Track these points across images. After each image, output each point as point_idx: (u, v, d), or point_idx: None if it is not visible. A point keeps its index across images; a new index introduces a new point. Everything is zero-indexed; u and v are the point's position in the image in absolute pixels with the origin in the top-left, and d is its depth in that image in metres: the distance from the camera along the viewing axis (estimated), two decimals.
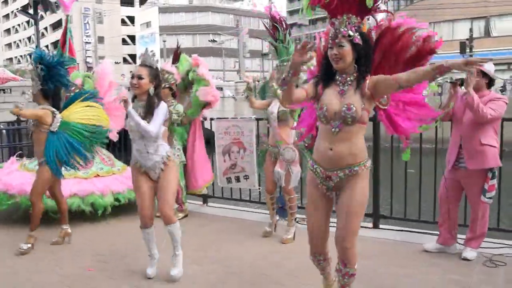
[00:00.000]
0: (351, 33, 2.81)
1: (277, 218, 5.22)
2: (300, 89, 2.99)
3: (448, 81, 4.29)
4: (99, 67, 6.33)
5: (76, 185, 5.62)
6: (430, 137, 4.95)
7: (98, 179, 5.88)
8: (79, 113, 4.78)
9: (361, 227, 4.67)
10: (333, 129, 2.84)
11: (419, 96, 3.14)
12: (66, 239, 5.00)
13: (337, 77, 2.91)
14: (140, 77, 3.72)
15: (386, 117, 3.19)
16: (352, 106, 2.78)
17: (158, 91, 3.83)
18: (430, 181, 4.98)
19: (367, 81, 2.82)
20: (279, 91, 4.56)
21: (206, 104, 5.92)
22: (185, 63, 6.03)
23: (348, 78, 2.87)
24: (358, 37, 2.83)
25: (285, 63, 4.81)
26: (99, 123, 4.83)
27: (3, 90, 24.05)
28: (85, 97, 4.85)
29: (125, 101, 3.67)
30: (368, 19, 3.06)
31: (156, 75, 3.82)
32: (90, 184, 5.72)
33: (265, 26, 5.11)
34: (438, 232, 4.52)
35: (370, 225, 5.23)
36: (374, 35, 3.11)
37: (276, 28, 5.01)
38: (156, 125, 3.71)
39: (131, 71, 4.19)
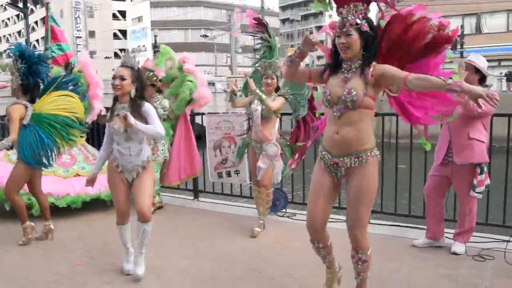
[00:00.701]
0: (358, 21, 2.83)
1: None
2: (304, 69, 3.11)
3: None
4: (80, 61, 6.23)
5: (53, 184, 5.53)
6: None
7: (77, 179, 5.76)
8: (51, 104, 4.65)
9: None
10: (334, 113, 2.89)
11: None
12: (50, 236, 4.91)
13: (343, 64, 2.94)
14: (122, 78, 3.67)
15: (398, 104, 3.20)
16: (352, 90, 2.81)
17: (141, 92, 3.78)
18: (421, 176, 5.00)
19: (371, 68, 2.82)
20: (263, 97, 4.58)
21: (190, 101, 5.92)
22: (164, 57, 5.99)
23: (353, 65, 2.89)
24: (365, 24, 2.85)
25: (271, 62, 4.83)
26: (71, 115, 4.69)
27: None
28: (57, 84, 4.70)
29: (125, 118, 3.56)
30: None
31: (137, 76, 3.78)
32: (68, 185, 5.63)
33: (262, 23, 5.06)
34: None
35: None
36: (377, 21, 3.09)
37: (265, 27, 5.03)
38: (160, 125, 3.70)
39: (113, 69, 4.14)
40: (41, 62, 4.72)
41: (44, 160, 4.68)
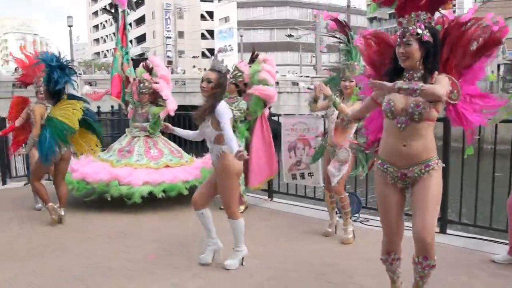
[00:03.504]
0: (419, 31, 2.80)
1: (338, 218, 5.15)
2: (369, 102, 3.18)
3: None
4: (152, 63, 6.72)
5: (147, 175, 5.98)
6: (506, 139, 4.68)
7: (167, 169, 6.19)
8: (61, 111, 5.34)
9: None
10: (399, 125, 2.86)
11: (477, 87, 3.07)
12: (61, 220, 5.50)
13: (405, 73, 2.91)
14: (209, 81, 3.91)
15: (455, 111, 3.11)
16: (420, 103, 2.78)
17: (220, 95, 3.96)
18: (505, 186, 4.69)
19: (434, 79, 2.78)
20: (338, 101, 4.53)
21: (266, 102, 6.00)
22: (257, 67, 6.10)
23: (415, 75, 2.85)
24: (428, 34, 2.80)
25: (350, 64, 4.75)
26: (69, 122, 5.31)
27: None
28: (70, 96, 5.48)
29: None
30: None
31: (223, 80, 3.98)
32: (160, 175, 6.03)
33: (342, 24, 4.99)
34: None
35: (437, 229, 5.02)
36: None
37: (345, 30, 4.94)
38: (229, 132, 3.80)
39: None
40: (59, 68, 5.30)
41: (43, 156, 5.28)
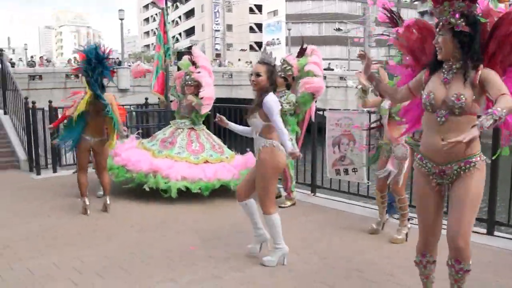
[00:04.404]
0: (452, 20, 2.66)
1: (387, 216, 5.05)
2: (403, 89, 3.06)
3: None
4: (195, 56, 6.79)
5: (187, 169, 6.03)
6: None
7: (207, 165, 6.20)
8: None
9: (474, 232, 4.39)
10: (438, 119, 2.72)
11: None
12: (107, 208, 5.70)
13: (444, 64, 2.79)
14: (258, 75, 3.89)
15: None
16: (462, 96, 2.64)
17: (270, 86, 3.95)
18: None
19: (479, 72, 2.63)
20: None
21: (314, 95, 5.93)
22: (304, 60, 6.06)
23: (454, 66, 2.72)
24: (462, 24, 2.64)
25: (400, 58, 4.60)
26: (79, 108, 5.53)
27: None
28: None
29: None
30: None
31: (272, 72, 3.95)
32: (200, 170, 6.06)
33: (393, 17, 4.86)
34: None
35: (484, 231, 4.87)
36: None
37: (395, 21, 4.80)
38: (280, 125, 3.83)
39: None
40: (99, 61, 5.43)
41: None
